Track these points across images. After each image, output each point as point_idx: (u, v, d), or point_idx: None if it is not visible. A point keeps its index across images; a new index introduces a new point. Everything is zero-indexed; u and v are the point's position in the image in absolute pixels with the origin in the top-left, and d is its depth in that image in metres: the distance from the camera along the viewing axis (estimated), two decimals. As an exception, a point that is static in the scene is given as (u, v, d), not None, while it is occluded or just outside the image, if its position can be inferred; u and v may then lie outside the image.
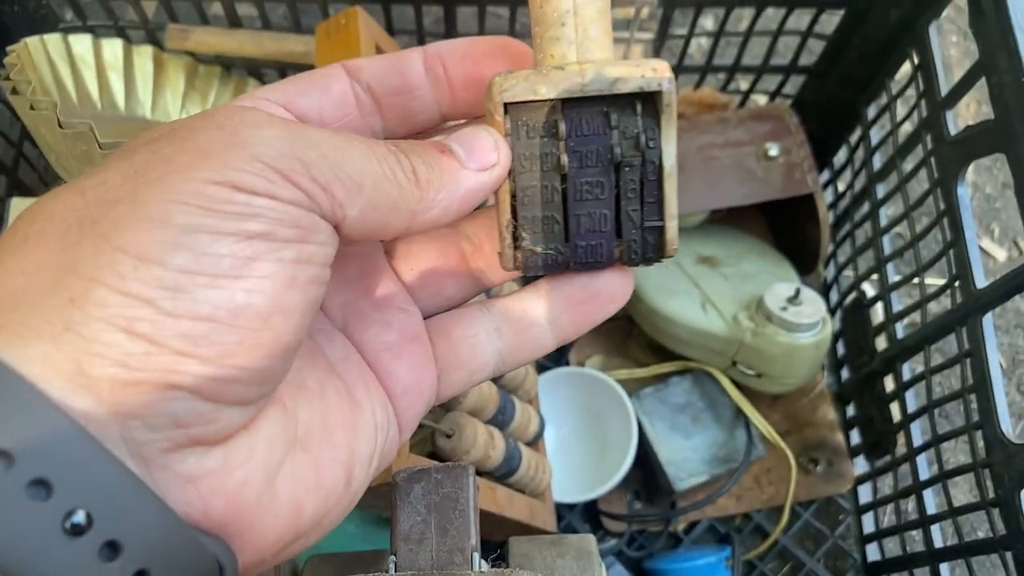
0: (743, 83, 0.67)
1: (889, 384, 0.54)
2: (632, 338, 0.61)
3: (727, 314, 0.54)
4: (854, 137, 0.60)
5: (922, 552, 0.49)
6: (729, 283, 0.57)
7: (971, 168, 0.51)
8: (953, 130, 0.45)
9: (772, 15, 0.57)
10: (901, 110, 0.53)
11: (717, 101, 0.63)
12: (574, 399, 0.58)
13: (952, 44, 0.79)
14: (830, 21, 0.56)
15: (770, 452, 0.57)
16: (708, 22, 0.78)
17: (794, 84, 0.62)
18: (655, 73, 0.21)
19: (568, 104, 0.21)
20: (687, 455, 0.55)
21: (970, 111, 0.76)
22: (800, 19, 0.59)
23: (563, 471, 0.54)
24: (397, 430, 0.23)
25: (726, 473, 0.55)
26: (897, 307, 0.53)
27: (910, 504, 0.56)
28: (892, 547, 0.54)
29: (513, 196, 0.22)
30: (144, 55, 0.57)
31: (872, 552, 0.56)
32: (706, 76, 0.62)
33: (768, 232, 0.66)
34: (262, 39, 0.57)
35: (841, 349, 0.61)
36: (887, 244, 0.55)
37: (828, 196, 0.63)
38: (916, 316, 0.50)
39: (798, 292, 0.53)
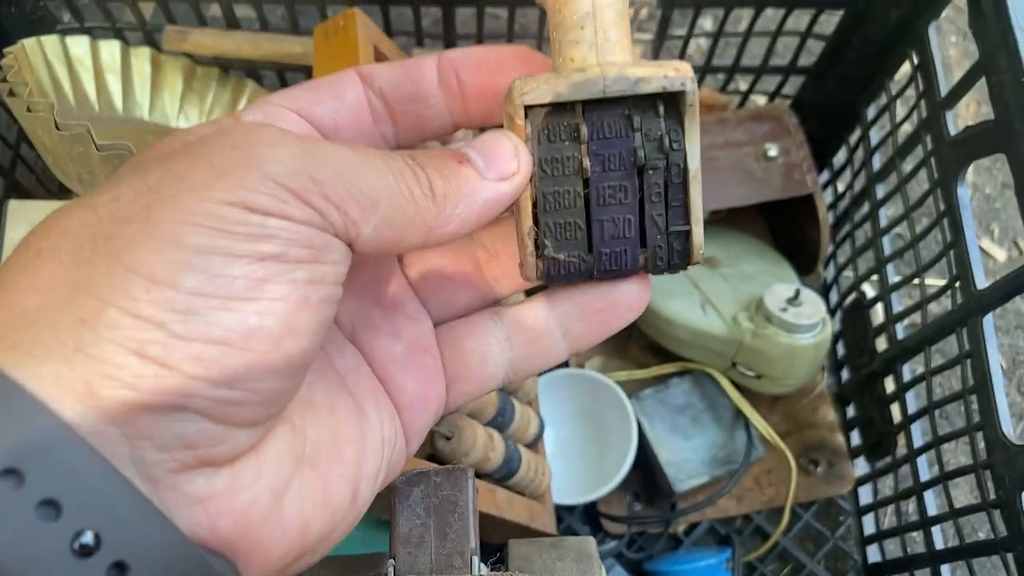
0: (742, 83, 0.67)
1: (889, 385, 0.54)
2: (632, 339, 0.61)
3: (727, 315, 0.54)
4: (854, 137, 0.60)
5: (923, 553, 0.49)
6: (729, 284, 0.57)
7: (971, 168, 0.51)
8: (953, 130, 0.45)
9: (771, 15, 0.57)
10: (901, 110, 0.53)
11: (716, 102, 0.63)
12: (574, 400, 0.58)
13: (952, 44, 0.79)
14: (829, 21, 0.56)
15: (770, 453, 0.57)
16: (707, 22, 0.78)
17: (793, 84, 0.62)
18: (677, 73, 0.21)
19: (589, 107, 0.21)
20: (687, 456, 0.55)
21: (970, 111, 0.75)
22: (799, 19, 0.59)
23: (563, 473, 0.54)
24: (404, 442, 0.22)
25: (726, 474, 0.55)
26: (897, 308, 0.53)
27: (911, 505, 0.56)
28: (893, 548, 0.54)
29: (534, 203, 0.21)
30: (142, 57, 0.57)
31: (873, 553, 0.56)
32: (705, 77, 0.62)
33: (768, 233, 0.66)
34: (260, 40, 0.57)
35: (841, 350, 0.61)
36: (887, 245, 0.55)
37: (828, 197, 0.63)
38: (916, 317, 0.50)
39: (798, 293, 0.52)
